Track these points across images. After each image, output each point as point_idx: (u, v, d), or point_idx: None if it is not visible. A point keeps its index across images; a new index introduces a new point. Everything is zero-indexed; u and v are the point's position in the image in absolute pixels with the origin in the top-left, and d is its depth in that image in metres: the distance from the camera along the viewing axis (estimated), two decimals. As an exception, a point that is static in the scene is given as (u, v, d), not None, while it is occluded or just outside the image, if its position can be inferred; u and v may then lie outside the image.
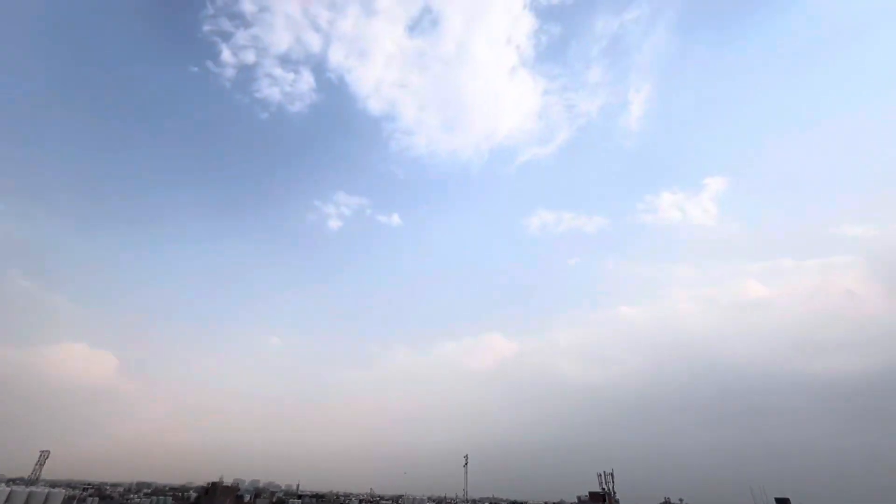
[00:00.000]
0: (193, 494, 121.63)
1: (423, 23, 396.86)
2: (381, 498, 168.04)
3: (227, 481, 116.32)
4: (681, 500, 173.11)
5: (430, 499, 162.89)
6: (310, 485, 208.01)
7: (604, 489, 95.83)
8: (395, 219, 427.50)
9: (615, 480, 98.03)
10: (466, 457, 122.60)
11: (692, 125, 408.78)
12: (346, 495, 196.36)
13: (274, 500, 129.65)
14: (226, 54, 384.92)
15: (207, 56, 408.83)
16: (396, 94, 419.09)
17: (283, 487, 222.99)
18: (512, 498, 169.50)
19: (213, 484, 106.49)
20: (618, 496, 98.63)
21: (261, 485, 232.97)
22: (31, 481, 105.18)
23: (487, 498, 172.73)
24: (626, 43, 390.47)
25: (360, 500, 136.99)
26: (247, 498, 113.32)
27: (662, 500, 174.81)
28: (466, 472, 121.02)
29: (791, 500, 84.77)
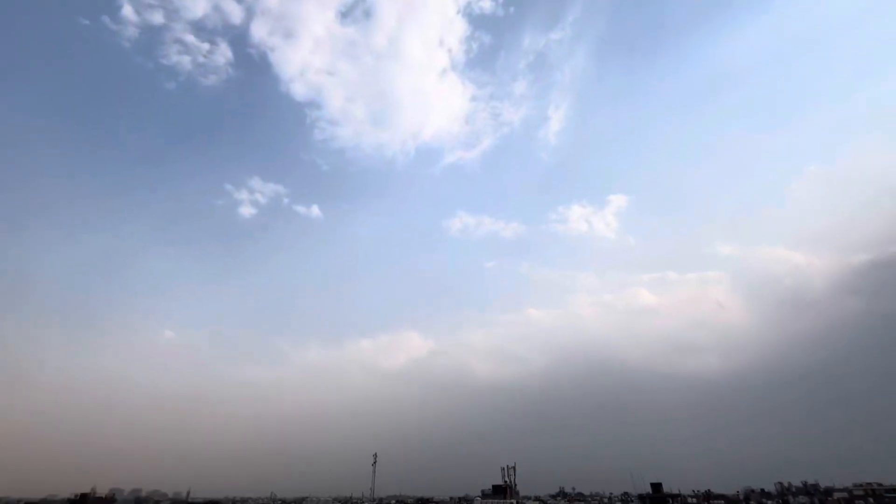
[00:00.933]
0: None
1: (356, 12, 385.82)
2: (283, 501, 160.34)
3: (102, 492, 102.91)
4: (573, 488, 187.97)
5: (335, 499, 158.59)
6: (203, 491, 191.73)
7: (506, 482, 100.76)
8: (315, 210, 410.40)
9: (517, 473, 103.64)
10: (375, 455, 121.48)
11: (602, 144, 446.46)
12: (244, 500, 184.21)
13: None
14: (127, 10, 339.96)
15: (104, 9, 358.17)
16: (323, 80, 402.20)
17: (170, 496, 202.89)
18: (419, 495, 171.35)
19: (83, 496, 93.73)
20: (518, 487, 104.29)
21: (143, 494, 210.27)
22: None
23: (394, 496, 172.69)
24: (550, 61, 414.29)
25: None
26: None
27: (558, 490, 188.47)
28: (374, 472, 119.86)
29: (663, 484, 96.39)
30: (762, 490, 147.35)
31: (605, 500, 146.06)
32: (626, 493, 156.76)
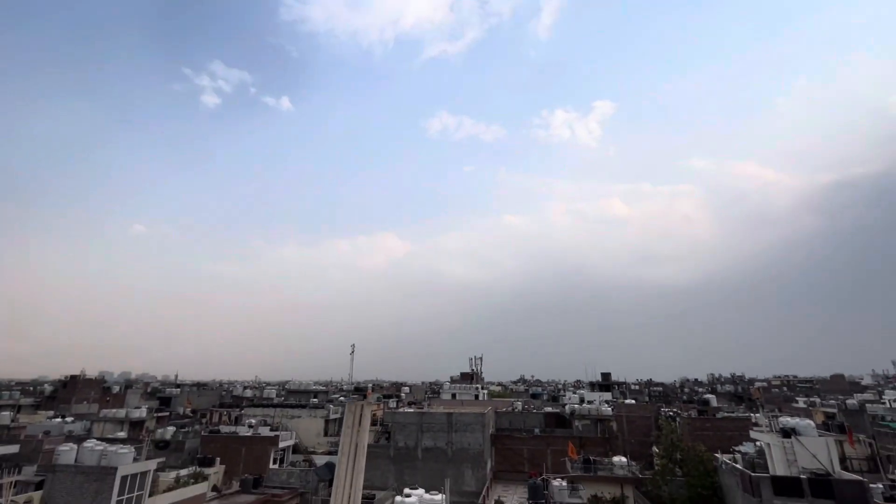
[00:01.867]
0: (48, 389, 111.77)
1: None
2: (268, 384, 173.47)
3: (91, 374, 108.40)
4: (532, 376, 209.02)
5: (316, 383, 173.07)
6: (190, 375, 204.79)
7: (473, 370, 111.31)
8: (285, 102, 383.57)
9: (483, 363, 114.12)
10: (353, 346, 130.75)
11: (594, 44, 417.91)
12: (231, 383, 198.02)
13: (148, 390, 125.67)
14: None
15: None
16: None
17: (159, 378, 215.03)
18: (393, 380, 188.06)
19: (73, 377, 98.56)
20: (483, 375, 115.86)
21: (132, 377, 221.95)
22: None
23: (371, 381, 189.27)
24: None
25: (245, 387, 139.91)
26: (115, 390, 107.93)
27: (519, 377, 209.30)
28: (352, 360, 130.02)
29: (612, 373, 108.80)
30: (696, 380, 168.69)
31: (560, 386, 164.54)
32: (578, 381, 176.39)
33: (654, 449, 43.28)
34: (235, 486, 40.10)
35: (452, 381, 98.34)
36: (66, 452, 26.74)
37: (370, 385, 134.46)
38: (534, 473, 36.77)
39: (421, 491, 24.35)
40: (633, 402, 65.03)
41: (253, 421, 56.83)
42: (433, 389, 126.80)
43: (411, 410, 42.57)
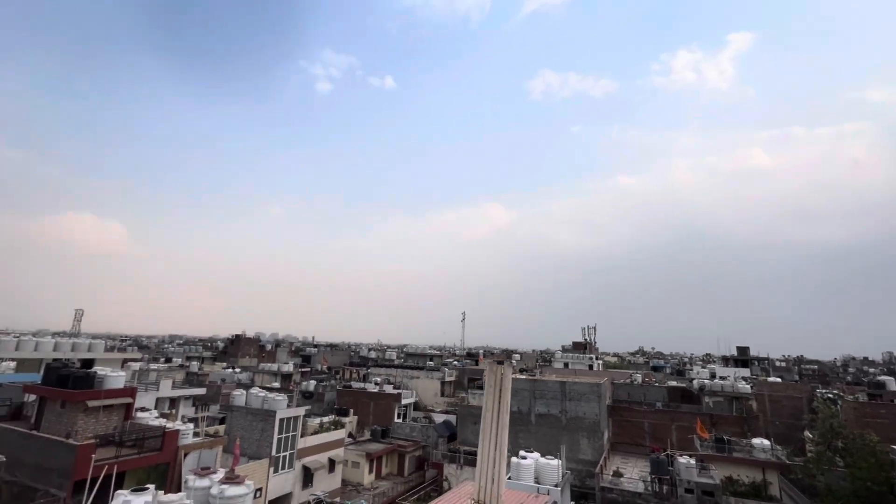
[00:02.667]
0: (221, 345, 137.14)
1: None
2: (388, 347, 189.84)
3: (249, 335, 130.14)
4: (653, 347, 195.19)
5: (431, 347, 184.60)
6: (323, 337, 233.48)
7: (586, 339, 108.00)
8: (389, 81, 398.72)
9: (597, 332, 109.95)
10: (464, 313, 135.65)
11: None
12: (357, 345, 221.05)
13: (293, 349, 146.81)
14: None
15: None
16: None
17: (300, 339, 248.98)
18: (503, 347, 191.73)
19: (237, 336, 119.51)
20: (598, 345, 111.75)
21: (280, 337, 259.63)
22: (73, 334, 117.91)
23: (482, 347, 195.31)
24: None
25: (370, 349, 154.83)
26: (268, 347, 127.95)
27: (637, 349, 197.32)
28: (464, 326, 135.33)
29: (751, 348, 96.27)
30: (865, 358, 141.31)
31: (685, 360, 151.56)
32: (707, 355, 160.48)
33: (807, 434, 37.93)
34: (367, 434, 45.38)
35: (564, 350, 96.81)
36: (239, 396, 32.76)
37: (481, 351, 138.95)
38: (656, 448, 35.00)
39: (536, 454, 24.88)
40: (779, 380, 57.32)
41: (378, 379, 63.10)
42: (544, 358, 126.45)
43: (523, 377, 43.16)
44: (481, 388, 52.97)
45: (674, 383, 62.77)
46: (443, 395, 65.70)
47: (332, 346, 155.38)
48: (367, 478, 37.38)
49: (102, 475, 13.74)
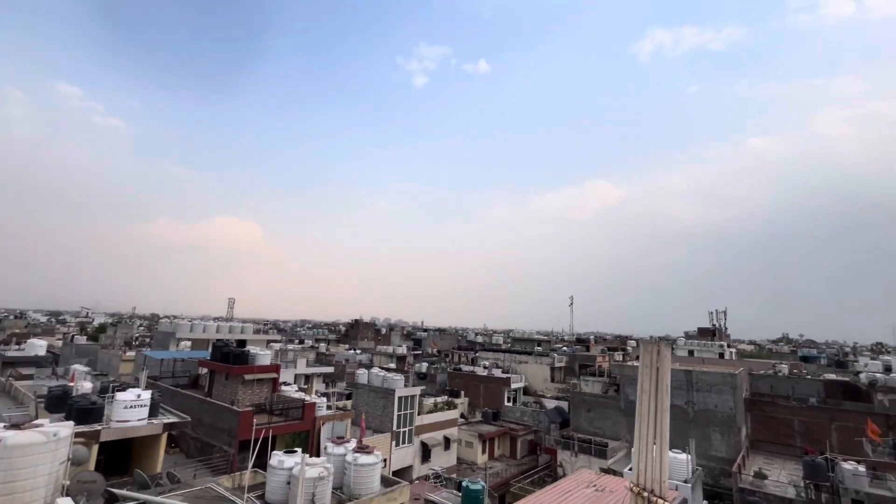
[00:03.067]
0: (342, 329, 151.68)
1: None
2: (494, 332, 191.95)
3: (366, 320, 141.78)
4: (801, 335, 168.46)
5: (538, 332, 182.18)
6: (431, 322, 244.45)
7: (714, 325, 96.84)
8: (483, 66, 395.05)
9: (727, 317, 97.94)
10: (571, 298, 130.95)
11: None
12: (464, 329, 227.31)
13: (404, 332, 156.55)
14: None
15: None
16: None
17: (410, 324, 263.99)
18: (616, 333, 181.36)
19: (356, 321, 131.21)
20: (729, 332, 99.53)
21: (392, 322, 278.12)
22: (228, 319, 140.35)
23: (592, 333, 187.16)
24: None
25: (476, 333, 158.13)
26: (383, 331, 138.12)
27: (781, 335, 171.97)
28: (572, 311, 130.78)
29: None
30: None
31: (846, 350, 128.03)
32: (878, 344, 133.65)
33: None
34: (478, 416, 46.65)
35: (688, 336, 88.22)
36: (362, 375, 35.93)
37: (591, 336, 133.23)
38: (810, 450, 30.34)
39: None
40: None
41: (486, 363, 64.25)
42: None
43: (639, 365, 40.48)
44: (594, 374, 50.94)
45: (832, 376, 53.57)
46: (553, 380, 64.60)
47: (441, 331, 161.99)
48: (481, 457, 38.54)
49: (261, 437, 16.22)
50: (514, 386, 52.57)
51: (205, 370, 31.75)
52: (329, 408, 29.82)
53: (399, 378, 34.11)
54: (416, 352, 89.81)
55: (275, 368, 28.89)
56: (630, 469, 22.44)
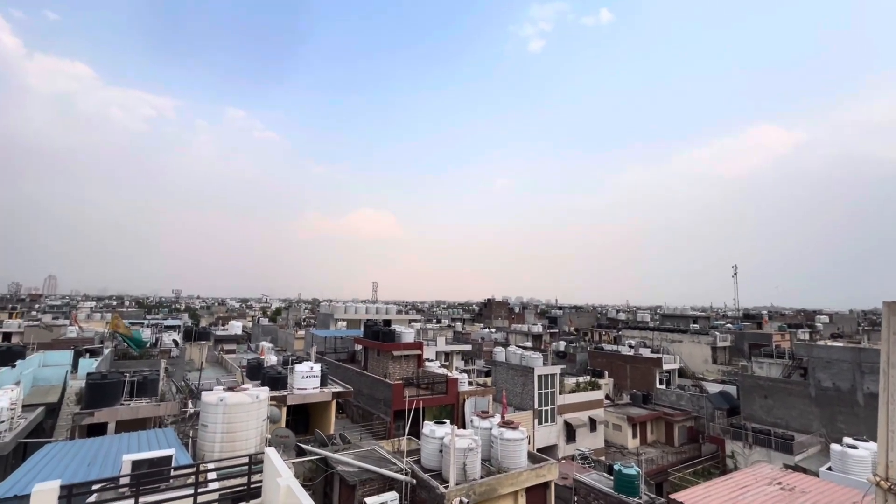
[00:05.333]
0: (476, 308, 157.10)
1: None
2: (638, 308, 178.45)
3: (498, 299, 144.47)
4: None
5: (692, 308, 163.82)
6: (566, 299, 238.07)
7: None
8: (605, 15, 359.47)
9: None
10: (735, 267, 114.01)
11: None
12: (603, 307, 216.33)
13: (538, 311, 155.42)
14: None
15: None
16: None
17: (543, 302, 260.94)
18: (799, 307, 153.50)
19: (489, 300, 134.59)
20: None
21: (524, 300, 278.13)
22: (373, 301, 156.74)
23: (764, 307, 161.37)
24: None
25: (618, 311, 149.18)
26: (516, 310, 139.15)
27: None
28: (736, 282, 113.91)
29: None
30: None
31: None
32: None
33: None
34: (625, 398, 44.32)
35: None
36: (499, 353, 36.88)
37: (764, 312, 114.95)
38: None
39: (871, 444, 19.28)
40: None
41: (633, 342, 60.33)
42: (870, 321, 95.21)
43: (839, 345, 33.62)
44: (770, 355, 44.03)
45: None
46: (715, 361, 57.87)
47: (577, 308, 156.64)
48: (631, 442, 36.70)
49: (413, 408, 17.92)
50: (666, 367, 48.53)
51: (360, 347, 36.07)
52: (470, 384, 31.38)
53: (538, 356, 34.16)
54: (552, 330, 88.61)
55: (418, 345, 31.40)
56: (829, 468, 19.17)
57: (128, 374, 19.61)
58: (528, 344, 69.65)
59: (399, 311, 72.57)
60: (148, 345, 39.58)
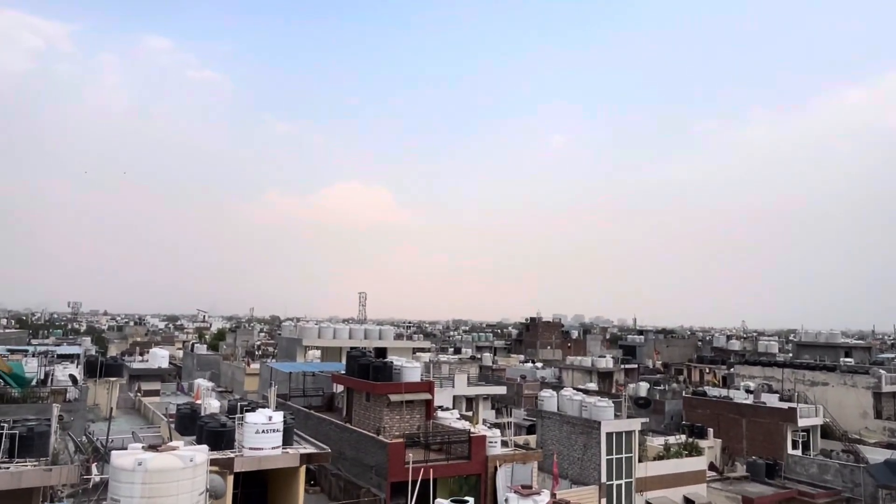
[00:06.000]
0: (514, 332, 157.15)
1: None
2: (761, 333, 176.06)
3: (545, 317, 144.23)
4: None
5: (844, 334, 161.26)
6: (648, 319, 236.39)
7: None
8: None
9: None
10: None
11: None
12: (707, 330, 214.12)
13: (607, 336, 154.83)
14: None
15: None
16: None
17: (615, 322, 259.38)
18: None
19: (532, 320, 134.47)
20: None
21: (585, 320, 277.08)
22: (360, 321, 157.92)
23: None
24: None
25: (729, 337, 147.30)
26: (573, 335, 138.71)
27: None
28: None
29: None
30: None
31: None
32: None
33: None
34: (740, 469, 43.89)
35: None
36: (548, 399, 36.93)
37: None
38: None
39: None
40: None
41: (751, 384, 59.66)
42: None
43: None
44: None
45: None
46: (878, 416, 57.07)
47: (666, 333, 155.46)
48: (750, 535, 36.41)
49: (420, 480, 18.03)
50: (803, 422, 48.05)
51: (340, 388, 36.43)
52: (504, 444, 31.38)
53: (606, 405, 34.02)
54: (628, 365, 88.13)
55: (428, 386, 31.58)
56: None
57: (6, 426, 20.14)
58: (593, 386, 69.43)
59: (399, 336, 73.16)
60: (34, 382, 40.57)
